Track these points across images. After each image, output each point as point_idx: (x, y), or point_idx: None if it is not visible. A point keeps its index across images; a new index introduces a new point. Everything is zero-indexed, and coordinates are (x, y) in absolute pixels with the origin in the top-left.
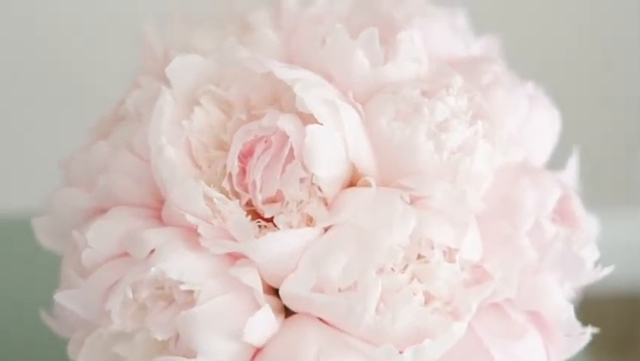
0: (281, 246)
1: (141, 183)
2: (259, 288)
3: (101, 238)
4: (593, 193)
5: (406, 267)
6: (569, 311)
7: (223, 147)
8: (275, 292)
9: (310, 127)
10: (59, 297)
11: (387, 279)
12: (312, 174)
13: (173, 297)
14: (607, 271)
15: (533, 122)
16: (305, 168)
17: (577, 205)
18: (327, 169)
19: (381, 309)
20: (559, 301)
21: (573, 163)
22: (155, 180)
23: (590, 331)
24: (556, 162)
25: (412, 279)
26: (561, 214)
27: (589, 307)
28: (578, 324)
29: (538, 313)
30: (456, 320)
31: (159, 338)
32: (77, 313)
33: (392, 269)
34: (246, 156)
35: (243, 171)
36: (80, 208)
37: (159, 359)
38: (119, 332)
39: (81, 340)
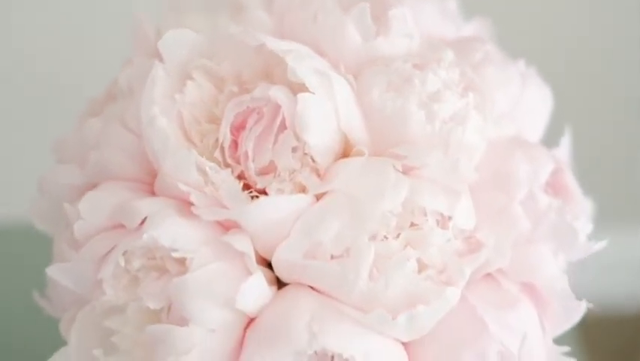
0: (273, 212)
1: (133, 158)
2: (251, 254)
3: (93, 209)
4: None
5: (398, 235)
6: (563, 281)
7: (215, 120)
8: (268, 265)
9: (302, 95)
10: (51, 271)
11: (380, 246)
12: (305, 143)
13: (166, 267)
14: (600, 245)
15: (525, 99)
16: (297, 137)
17: (570, 179)
18: (319, 136)
19: (374, 275)
20: (552, 271)
21: (566, 141)
22: (147, 154)
23: (584, 304)
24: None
25: (405, 246)
26: (554, 187)
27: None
28: (572, 295)
29: (531, 285)
30: (449, 286)
31: (151, 306)
32: (69, 287)
33: (385, 237)
34: (238, 129)
35: (235, 144)
36: (72, 185)
37: (152, 327)
38: (111, 307)
39: (73, 316)
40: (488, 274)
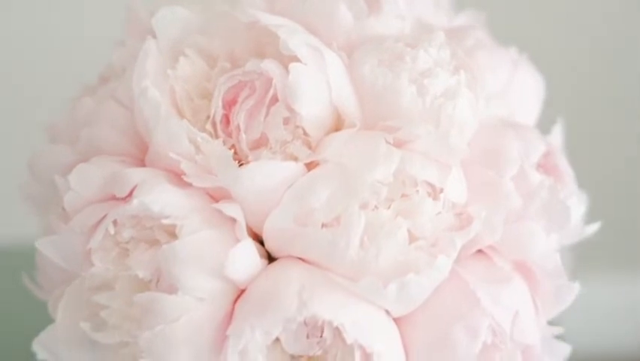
0: (263, 178)
1: (125, 133)
2: (242, 221)
3: (83, 180)
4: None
5: (389, 205)
6: (555, 258)
7: (207, 96)
8: (259, 242)
9: (294, 64)
10: (40, 244)
11: (370, 215)
12: (296, 115)
13: (155, 238)
14: (593, 228)
15: (516, 84)
16: (289, 108)
17: (562, 161)
18: (311, 107)
19: (364, 243)
20: (544, 248)
21: (558, 129)
22: (138, 129)
23: (577, 286)
24: None
25: (396, 216)
26: (546, 169)
27: None
28: (564, 274)
29: (524, 264)
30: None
31: (141, 275)
32: (58, 263)
33: (375, 206)
34: (229, 104)
35: (227, 120)
36: (62, 164)
37: (140, 295)
38: (100, 283)
39: (61, 294)
40: (480, 252)
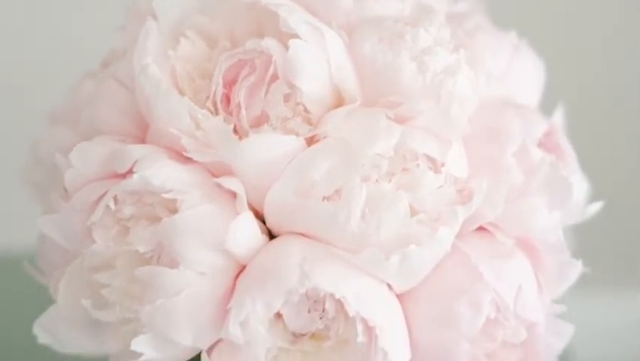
0: (264, 151)
1: (126, 114)
2: (243, 194)
3: (84, 158)
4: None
5: (390, 179)
6: (558, 233)
7: (208, 76)
8: (259, 219)
9: (293, 40)
10: (42, 222)
11: (371, 187)
12: (297, 91)
13: (156, 214)
14: (596, 207)
15: (516, 68)
16: (289, 85)
17: (563, 140)
18: (311, 83)
19: (366, 216)
20: (546, 223)
21: (560, 113)
22: (139, 109)
23: (580, 264)
24: None
25: (398, 189)
26: (547, 147)
27: None
28: (566, 249)
29: (526, 241)
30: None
31: (141, 250)
32: (59, 242)
33: (377, 180)
34: (230, 84)
35: (227, 100)
36: (63, 146)
37: (141, 269)
38: (100, 262)
39: (62, 274)
40: (482, 229)
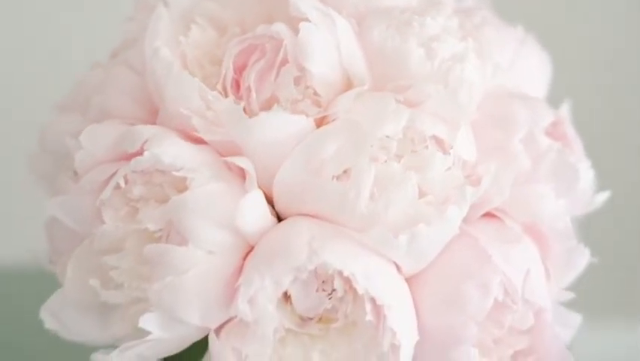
0: (274, 130)
1: (136, 99)
2: (252, 171)
3: (94, 139)
4: (594, 305)
5: (399, 161)
6: (565, 220)
7: (218, 63)
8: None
9: (304, 23)
10: (50, 205)
11: (380, 168)
12: (307, 73)
13: (165, 194)
14: (603, 196)
15: (523, 61)
16: (299, 68)
17: (570, 130)
18: (321, 66)
19: (374, 195)
20: (553, 209)
21: (566, 106)
22: (149, 94)
23: (588, 252)
24: None
25: (406, 170)
26: (554, 136)
27: None
28: (574, 236)
29: (534, 227)
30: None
31: (151, 228)
32: (68, 225)
33: (385, 161)
34: (240, 69)
35: (237, 86)
36: (73, 132)
37: (150, 246)
38: (108, 246)
39: (69, 257)
40: (490, 215)
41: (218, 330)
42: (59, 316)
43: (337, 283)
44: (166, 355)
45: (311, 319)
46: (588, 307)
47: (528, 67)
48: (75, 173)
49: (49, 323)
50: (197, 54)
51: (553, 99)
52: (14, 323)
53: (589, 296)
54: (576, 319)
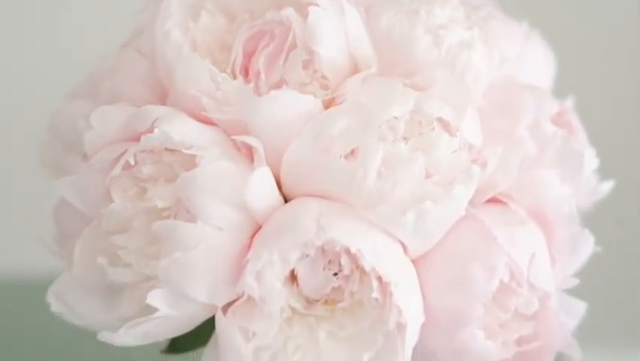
0: (282, 109)
1: (146, 84)
2: (261, 149)
3: (105, 120)
4: (594, 334)
5: (407, 143)
6: (570, 204)
7: (227, 49)
8: None
9: (313, 7)
10: (59, 184)
11: (388, 147)
12: (315, 57)
13: (175, 173)
14: (608, 185)
15: (527, 56)
16: (308, 51)
17: (575, 119)
18: (329, 49)
19: (382, 174)
20: (558, 194)
21: (571, 100)
22: (159, 77)
23: (592, 237)
24: None
25: (414, 151)
26: (559, 125)
27: None
28: (578, 220)
29: (539, 211)
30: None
31: (160, 205)
32: (76, 206)
33: (393, 142)
34: (249, 56)
35: (246, 71)
36: (84, 117)
37: (159, 223)
38: (116, 227)
39: (77, 239)
40: (496, 200)
41: (224, 309)
42: (65, 298)
43: (344, 261)
44: (173, 335)
45: (317, 301)
46: (589, 339)
47: (533, 61)
48: (85, 156)
49: (55, 305)
50: (207, 40)
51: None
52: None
53: (588, 328)
54: (580, 307)
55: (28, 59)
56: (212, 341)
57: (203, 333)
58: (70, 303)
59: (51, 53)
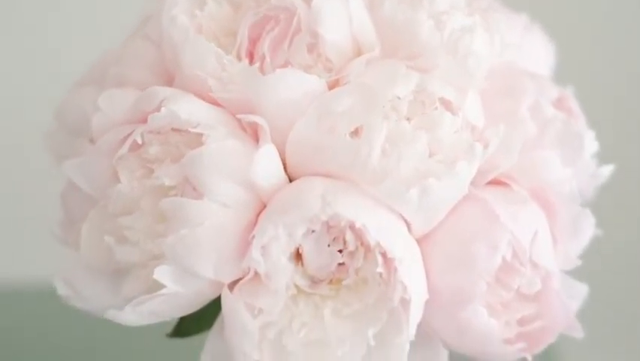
0: (287, 88)
1: (153, 70)
2: (266, 127)
3: (112, 102)
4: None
5: (410, 121)
6: (571, 184)
7: (233, 35)
8: None
9: None
10: (67, 167)
11: (392, 125)
12: (319, 40)
13: (181, 154)
14: (608, 169)
15: (528, 46)
16: (312, 35)
17: (575, 106)
18: (333, 32)
19: (386, 151)
20: (559, 174)
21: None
22: (166, 64)
23: (592, 216)
24: None
25: (417, 129)
26: (559, 110)
27: None
28: (579, 199)
29: (541, 192)
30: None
31: (167, 183)
32: (82, 188)
33: (396, 121)
34: (254, 41)
35: (251, 56)
36: (91, 103)
37: (166, 200)
38: (123, 209)
39: (84, 221)
40: (498, 182)
41: (230, 287)
42: (72, 281)
43: (348, 236)
44: (178, 314)
45: (322, 281)
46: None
47: (533, 52)
48: (92, 140)
49: (61, 289)
50: (213, 26)
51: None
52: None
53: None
54: (583, 290)
55: (28, 59)
56: (217, 323)
57: (208, 317)
58: (77, 286)
59: (50, 53)
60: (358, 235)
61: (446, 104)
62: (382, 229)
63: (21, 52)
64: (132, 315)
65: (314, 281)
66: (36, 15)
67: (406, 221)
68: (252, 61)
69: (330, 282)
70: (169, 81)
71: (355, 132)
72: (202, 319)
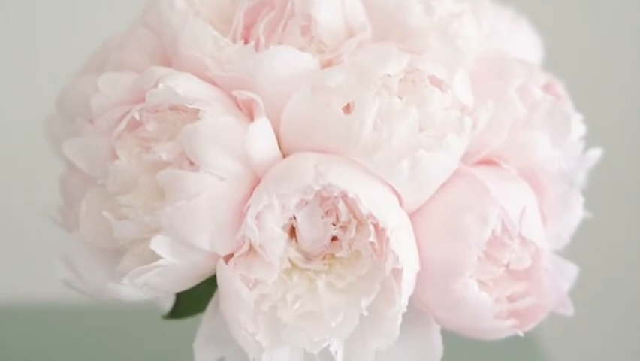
0: (282, 65)
1: (152, 55)
2: (261, 102)
3: (111, 84)
4: None
5: (401, 98)
6: (560, 163)
7: (229, 21)
8: None
9: None
10: (66, 146)
11: (384, 101)
12: (313, 22)
13: (178, 131)
14: (596, 153)
15: (515, 37)
16: (306, 17)
17: (563, 92)
18: (326, 14)
19: (377, 125)
20: (548, 153)
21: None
22: (165, 49)
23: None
24: None
25: (408, 105)
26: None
27: None
28: (567, 177)
29: (530, 170)
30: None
31: (164, 157)
32: (82, 168)
33: (388, 97)
34: (249, 27)
35: (246, 41)
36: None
37: (163, 172)
38: (121, 187)
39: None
40: (488, 161)
41: (225, 261)
42: (71, 262)
43: (341, 207)
44: (174, 288)
45: (316, 257)
46: None
47: (522, 41)
48: (91, 122)
49: (61, 270)
50: (209, 13)
51: None
52: None
53: None
54: (573, 270)
55: (28, 59)
56: (211, 304)
57: (203, 299)
58: (76, 267)
59: (50, 53)
60: (351, 206)
61: (437, 83)
62: (374, 199)
63: (21, 52)
64: (129, 288)
65: (308, 258)
66: (36, 15)
67: (397, 195)
68: (246, 44)
69: (324, 258)
70: (167, 67)
71: (348, 108)
72: (198, 301)
